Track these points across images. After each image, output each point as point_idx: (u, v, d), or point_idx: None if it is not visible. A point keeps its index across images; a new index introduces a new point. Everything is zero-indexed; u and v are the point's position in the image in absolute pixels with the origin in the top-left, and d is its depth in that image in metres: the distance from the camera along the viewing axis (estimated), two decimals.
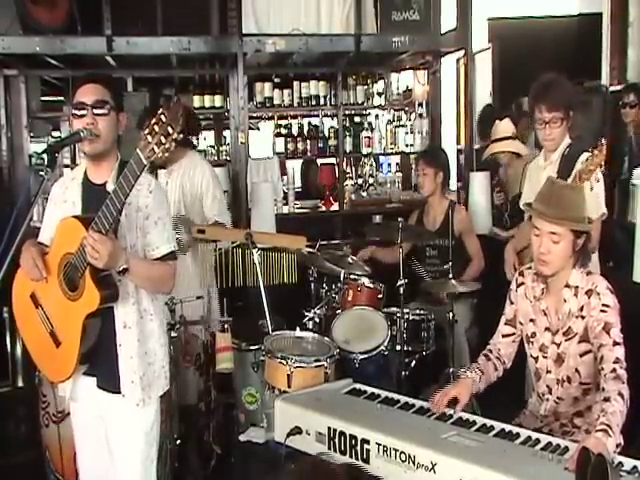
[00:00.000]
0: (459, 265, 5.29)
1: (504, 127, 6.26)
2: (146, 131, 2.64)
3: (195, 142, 7.58)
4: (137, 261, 3.00)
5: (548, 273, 3.35)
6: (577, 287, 3.32)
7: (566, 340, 3.35)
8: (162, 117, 2.61)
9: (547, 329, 3.43)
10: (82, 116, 3.00)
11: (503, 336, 3.63)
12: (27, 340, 3.28)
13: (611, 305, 3.22)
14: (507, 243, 4.58)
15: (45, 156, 2.83)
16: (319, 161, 8.64)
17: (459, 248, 5.44)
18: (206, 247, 5.06)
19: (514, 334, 3.61)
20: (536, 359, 3.49)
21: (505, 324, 3.64)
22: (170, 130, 2.61)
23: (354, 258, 5.41)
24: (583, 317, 3.28)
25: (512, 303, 3.61)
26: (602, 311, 3.21)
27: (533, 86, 4.25)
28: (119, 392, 3.09)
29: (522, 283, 3.57)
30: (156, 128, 2.61)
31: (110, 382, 3.09)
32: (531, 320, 3.50)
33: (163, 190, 3.31)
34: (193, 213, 4.91)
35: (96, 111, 3.00)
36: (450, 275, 4.94)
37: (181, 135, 2.68)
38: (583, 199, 3.35)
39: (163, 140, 2.61)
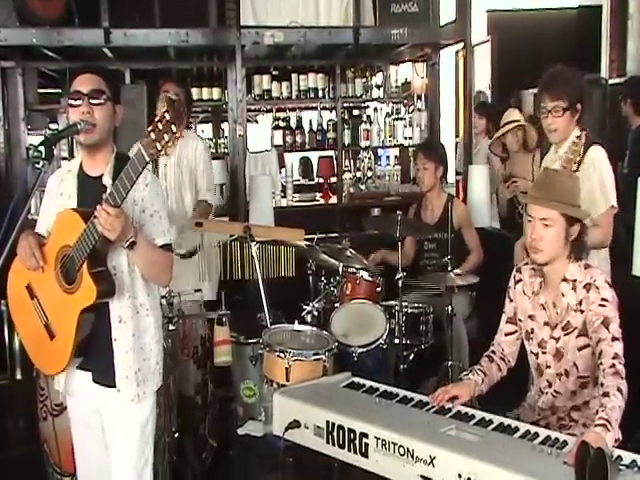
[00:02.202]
0: (458, 258, 5.28)
1: (514, 114, 6.24)
2: (149, 128, 2.65)
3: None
4: (142, 237, 2.98)
5: (541, 261, 3.34)
6: (575, 281, 3.30)
7: (565, 335, 3.34)
8: (166, 115, 2.62)
9: (546, 323, 3.42)
10: (78, 105, 2.98)
11: (506, 334, 3.62)
12: (21, 331, 3.28)
13: (610, 299, 3.21)
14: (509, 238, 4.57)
15: (42, 148, 2.82)
16: (317, 154, 8.62)
17: (458, 241, 5.43)
18: (210, 243, 5.07)
19: (516, 332, 3.59)
20: (536, 355, 3.48)
21: (506, 322, 3.62)
22: (173, 128, 2.63)
23: (352, 251, 5.40)
24: (582, 311, 3.27)
25: (511, 301, 3.60)
26: (601, 305, 3.20)
27: (542, 75, 4.25)
28: (114, 386, 3.07)
29: (520, 280, 3.55)
30: (159, 126, 2.63)
31: (105, 376, 3.08)
32: (530, 316, 3.49)
33: (159, 183, 3.31)
34: (189, 189, 4.99)
35: (92, 100, 2.98)
36: (449, 268, 4.94)
37: (183, 130, 2.71)
38: (576, 186, 3.36)
39: (166, 138, 2.63)
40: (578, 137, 3.79)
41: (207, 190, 5.02)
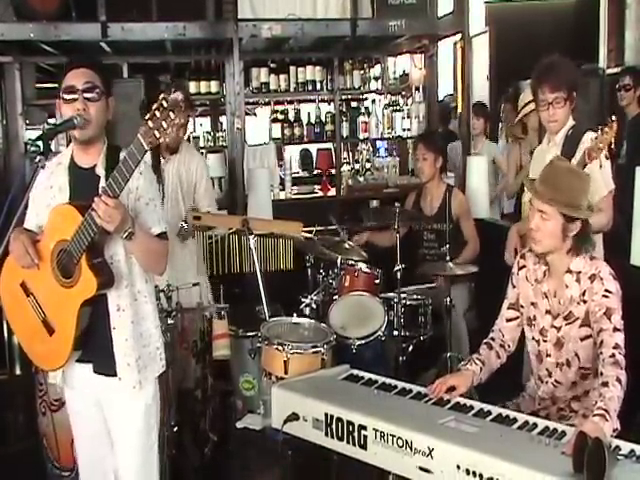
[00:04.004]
0: (456, 248, 5.27)
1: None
2: (147, 116, 2.64)
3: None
4: (139, 227, 2.99)
5: (538, 250, 3.35)
6: (579, 272, 3.30)
7: (566, 324, 3.34)
8: (163, 102, 2.61)
9: (548, 312, 3.42)
10: (73, 100, 2.97)
11: (507, 320, 3.62)
12: (17, 329, 3.26)
13: (613, 291, 3.21)
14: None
15: (40, 143, 2.81)
16: (316, 146, 8.60)
17: (456, 231, 5.44)
18: (200, 235, 5.06)
19: (518, 318, 3.59)
20: (537, 342, 3.49)
21: (508, 308, 3.62)
22: (172, 115, 2.62)
23: (351, 244, 5.40)
24: (585, 302, 3.27)
25: (514, 286, 3.60)
26: (604, 296, 3.20)
27: (536, 67, 4.22)
28: (116, 375, 3.08)
29: (523, 266, 3.56)
30: (157, 113, 2.62)
31: (106, 366, 3.08)
32: (532, 303, 3.49)
33: (152, 171, 3.30)
34: (188, 200, 4.93)
35: (87, 95, 2.97)
36: (447, 258, 4.94)
37: (182, 120, 2.70)
38: (583, 186, 3.33)
39: (164, 125, 2.62)
40: (605, 125, 3.76)
41: (208, 206, 5.00)
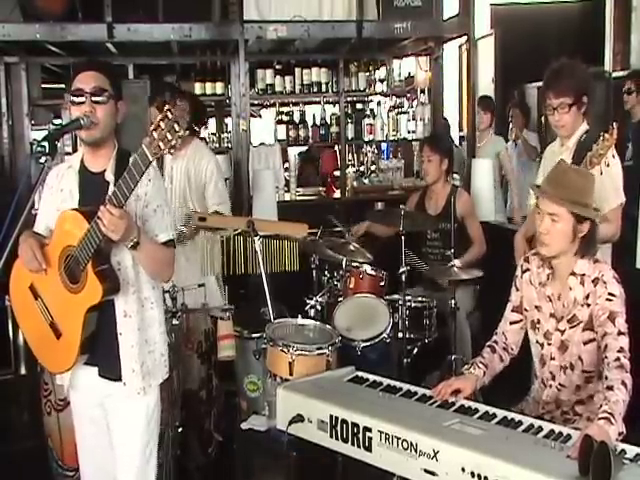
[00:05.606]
0: (460, 249, 5.26)
1: None
2: (152, 127, 2.65)
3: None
4: (145, 237, 2.99)
5: (547, 254, 3.35)
6: (583, 275, 3.30)
7: (570, 327, 3.34)
8: (168, 113, 2.62)
9: (552, 315, 3.42)
10: (80, 103, 2.98)
11: (510, 323, 3.61)
12: (26, 331, 3.28)
13: (617, 294, 3.21)
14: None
15: (45, 144, 2.82)
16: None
17: (461, 232, 5.41)
18: (213, 236, 5.06)
19: (521, 321, 3.59)
20: (541, 345, 3.48)
21: (512, 311, 3.62)
22: (176, 127, 2.63)
23: (356, 245, 5.39)
24: (588, 305, 3.27)
25: (518, 289, 3.59)
26: (608, 300, 3.20)
27: (545, 72, 4.23)
28: (120, 380, 3.09)
29: (527, 269, 3.55)
30: (162, 124, 2.62)
31: (111, 371, 3.09)
32: (536, 307, 3.49)
33: (162, 178, 3.30)
34: (196, 199, 4.92)
35: (95, 99, 2.98)
36: (452, 260, 4.93)
37: (187, 132, 2.71)
38: (589, 185, 3.32)
39: (169, 137, 2.63)
40: (606, 132, 3.75)
41: (218, 204, 4.98)
